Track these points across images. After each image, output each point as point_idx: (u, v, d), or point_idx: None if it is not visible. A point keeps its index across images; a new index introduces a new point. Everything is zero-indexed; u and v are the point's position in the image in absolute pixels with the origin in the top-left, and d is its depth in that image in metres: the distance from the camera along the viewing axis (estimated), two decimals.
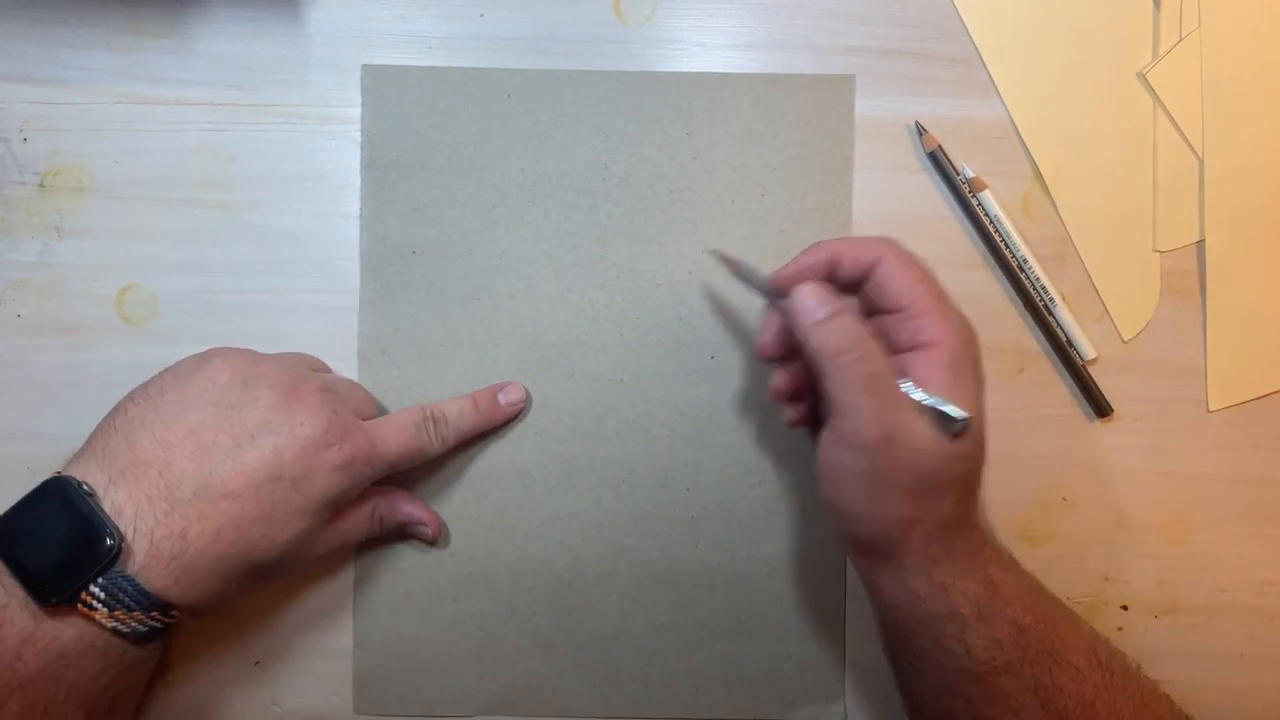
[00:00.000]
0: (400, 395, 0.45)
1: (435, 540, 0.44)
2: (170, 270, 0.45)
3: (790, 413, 0.40)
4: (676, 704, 0.45)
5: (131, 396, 0.38)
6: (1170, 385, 0.46)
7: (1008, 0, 0.46)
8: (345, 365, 0.45)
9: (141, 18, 0.45)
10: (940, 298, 0.36)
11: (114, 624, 0.34)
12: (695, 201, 0.45)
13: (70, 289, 0.45)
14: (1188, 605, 0.46)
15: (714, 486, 0.45)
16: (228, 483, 0.36)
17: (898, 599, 0.36)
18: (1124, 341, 0.46)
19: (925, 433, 0.34)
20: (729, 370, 0.45)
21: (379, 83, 0.45)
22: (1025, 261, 0.45)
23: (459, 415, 0.43)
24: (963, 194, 0.45)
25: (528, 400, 0.45)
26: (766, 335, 0.39)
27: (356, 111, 0.45)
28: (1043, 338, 0.46)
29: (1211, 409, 0.46)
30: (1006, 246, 0.45)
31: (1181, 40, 0.46)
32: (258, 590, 0.39)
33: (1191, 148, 0.46)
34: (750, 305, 0.45)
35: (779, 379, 0.39)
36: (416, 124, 0.45)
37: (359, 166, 0.45)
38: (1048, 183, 0.46)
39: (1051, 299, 0.45)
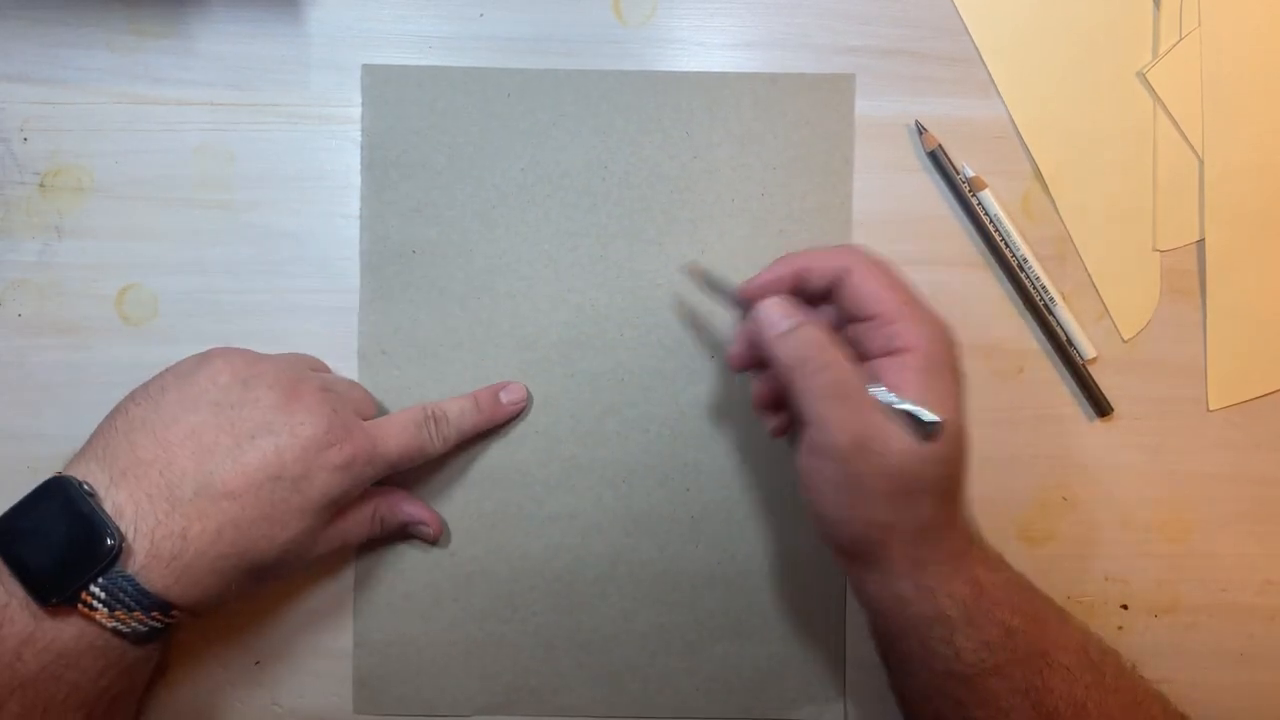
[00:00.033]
0: (400, 395, 0.45)
1: (437, 540, 0.44)
2: (170, 270, 0.45)
3: (772, 423, 0.41)
4: (676, 704, 0.45)
5: (132, 396, 0.38)
6: (1170, 385, 0.46)
7: (1008, 0, 0.46)
8: (345, 365, 0.45)
9: (141, 18, 0.45)
10: (912, 302, 0.36)
11: (114, 624, 0.34)
12: (695, 201, 0.45)
13: (70, 289, 0.45)
14: (1188, 605, 0.46)
15: (714, 486, 0.45)
16: (228, 482, 0.36)
17: (884, 602, 0.36)
18: (1124, 341, 0.46)
19: (898, 437, 0.34)
20: (729, 370, 0.45)
21: (379, 83, 0.45)
22: (1025, 261, 0.45)
23: (460, 414, 0.43)
24: (963, 193, 0.45)
25: (528, 400, 0.45)
26: (738, 345, 0.39)
27: (356, 111, 0.45)
28: (1043, 337, 0.46)
29: (1212, 408, 0.46)
30: (1006, 246, 0.45)
31: (1181, 40, 0.46)
32: (258, 590, 0.39)
33: (1191, 147, 0.46)
34: None
35: (757, 389, 0.40)
36: (416, 124, 0.45)
37: (359, 166, 0.45)
38: (1048, 182, 0.46)
39: (1051, 298, 0.45)
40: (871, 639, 0.39)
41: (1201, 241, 0.46)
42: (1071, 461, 0.46)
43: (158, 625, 0.35)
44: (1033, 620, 0.35)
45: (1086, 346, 0.45)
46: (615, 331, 0.45)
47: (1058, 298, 0.45)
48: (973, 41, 0.46)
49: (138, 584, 0.34)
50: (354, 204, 0.45)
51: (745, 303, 0.38)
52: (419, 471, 0.44)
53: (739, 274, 0.41)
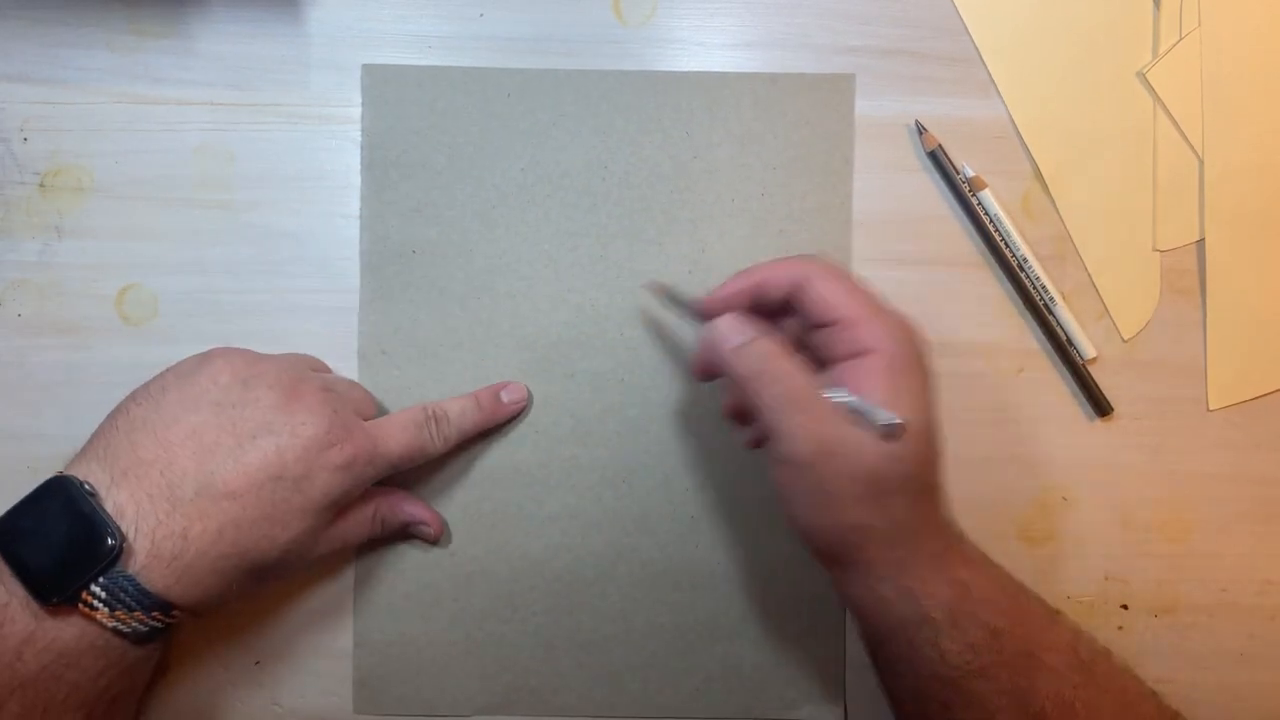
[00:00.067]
0: (400, 395, 0.45)
1: (437, 540, 0.45)
2: (170, 270, 0.45)
3: (743, 437, 0.41)
4: (676, 704, 0.45)
5: (133, 396, 0.38)
6: (1170, 384, 0.46)
7: (1007, 0, 0.46)
8: (345, 365, 0.45)
9: (141, 18, 0.45)
10: (872, 305, 0.36)
11: (115, 624, 0.34)
12: (695, 201, 0.45)
13: (70, 289, 0.45)
14: (1188, 605, 0.46)
15: (714, 486, 0.45)
16: (229, 482, 0.36)
17: (867, 605, 0.36)
18: (1124, 340, 0.46)
19: (861, 439, 0.34)
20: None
21: (379, 82, 0.45)
22: (1025, 261, 0.45)
23: (461, 414, 0.43)
24: (963, 193, 0.45)
25: (529, 399, 0.45)
26: (698, 358, 0.40)
27: (356, 111, 0.45)
28: (1043, 337, 0.46)
29: (1212, 408, 0.46)
30: (1006, 246, 0.45)
31: (1181, 40, 0.46)
32: (258, 590, 0.39)
33: (1191, 147, 0.46)
34: None
35: (725, 402, 0.41)
36: (416, 124, 0.45)
37: (359, 166, 0.45)
38: (1048, 182, 0.46)
39: (1051, 298, 0.45)
40: (861, 641, 0.39)
41: (1201, 241, 0.46)
42: (1071, 461, 0.46)
43: (158, 625, 0.35)
44: (1020, 621, 0.35)
45: (1086, 346, 0.45)
46: (615, 331, 0.45)
47: (1058, 298, 0.45)
48: (973, 41, 0.46)
49: (138, 584, 0.34)
50: (354, 204, 0.45)
51: (707, 317, 0.38)
52: (419, 471, 0.44)
53: None
